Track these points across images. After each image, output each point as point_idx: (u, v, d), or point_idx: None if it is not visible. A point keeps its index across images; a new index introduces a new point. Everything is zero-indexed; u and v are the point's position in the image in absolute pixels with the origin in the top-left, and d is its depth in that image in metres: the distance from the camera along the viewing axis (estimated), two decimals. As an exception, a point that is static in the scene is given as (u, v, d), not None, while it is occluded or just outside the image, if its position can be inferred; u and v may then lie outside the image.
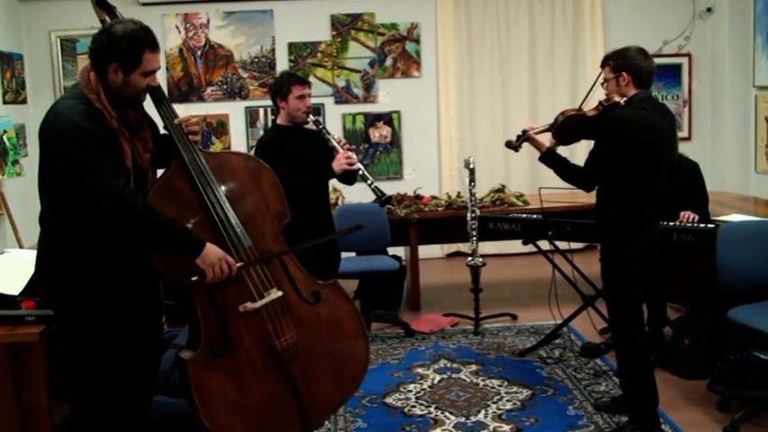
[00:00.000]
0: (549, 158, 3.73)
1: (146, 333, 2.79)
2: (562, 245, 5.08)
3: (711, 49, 7.58)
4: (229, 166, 2.95)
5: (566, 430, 3.74)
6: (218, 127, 7.47)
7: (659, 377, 4.23)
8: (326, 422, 3.76)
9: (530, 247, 5.18)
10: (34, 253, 2.81)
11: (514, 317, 5.60)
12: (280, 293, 2.89)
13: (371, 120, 7.62)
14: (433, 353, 4.89)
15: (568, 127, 3.59)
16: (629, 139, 3.40)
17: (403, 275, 5.98)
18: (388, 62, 7.59)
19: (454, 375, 4.50)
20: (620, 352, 3.66)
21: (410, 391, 4.29)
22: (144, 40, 2.63)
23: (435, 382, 4.41)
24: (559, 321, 4.81)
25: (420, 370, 4.60)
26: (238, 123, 7.51)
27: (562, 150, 3.87)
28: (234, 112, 7.50)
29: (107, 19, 2.85)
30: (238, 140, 7.47)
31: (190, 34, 7.40)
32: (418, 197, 6.05)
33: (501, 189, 6.14)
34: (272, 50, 7.48)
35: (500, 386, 4.30)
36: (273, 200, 3.03)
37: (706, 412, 3.88)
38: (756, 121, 6.92)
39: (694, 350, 4.29)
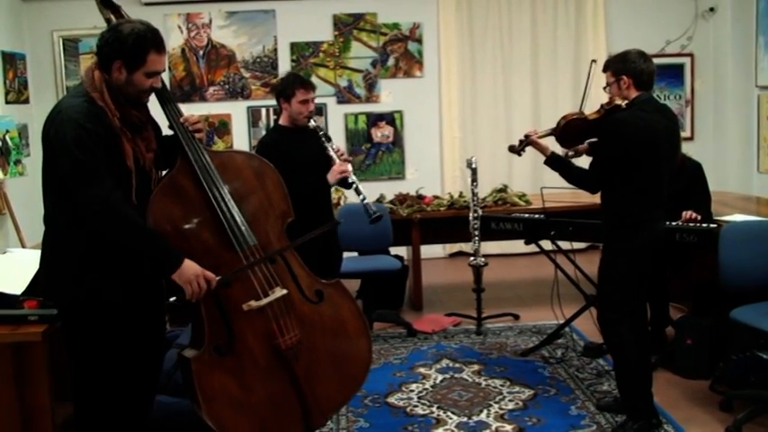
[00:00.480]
0: (554, 162, 3.76)
1: (149, 332, 2.79)
2: (564, 245, 5.08)
3: (714, 48, 7.57)
4: (234, 165, 2.96)
5: (568, 430, 3.74)
6: (221, 127, 7.48)
7: (662, 377, 4.25)
8: (329, 422, 3.76)
9: (532, 247, 5.18)
10: (37, 252, 2.82)
11: (517, 317, 5.60)
12: (284, 291, 2.90)
13: (374, 120, 7.62)
14: (436, 353, 4.89)
15: (571, 130, 3.65)
16: (627, 141, 3.44)
17: (405, 275, 5.98)
18: (391, 62, 7.59)
19: (456, 375, 4.49)
20: (610, 348, 3.72)
21: (412, 390, 4.29)
22: (150, 40, 2.64)
23: (437, 381, 4.41)
24: (562, 321, 4.81)
25: (422, 370, 4.60)
26: (240, 123, 7.51)
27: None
28: (236, 111, 7.51)
29: (112, 18, 2.86)
30: (240, 140, 7.47)
31: (192, 34, 7.40)
32: (420, 197, 6.05)
33: (503, 189, 6.14)
34: (275, 50, 7.48)
35: (502, 386, 4.30)
36: (277, 199, 3.04)
37: (708, 412, 3.88)
38: (759, 121, 6.92)
39: (697, 350, 4.28)
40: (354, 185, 3.95)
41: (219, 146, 7.38)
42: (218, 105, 7.48)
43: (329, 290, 3.10)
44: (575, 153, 3.84)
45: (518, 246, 6.21)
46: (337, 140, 7.40)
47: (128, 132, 2.65)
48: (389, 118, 7.63)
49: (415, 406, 4.08)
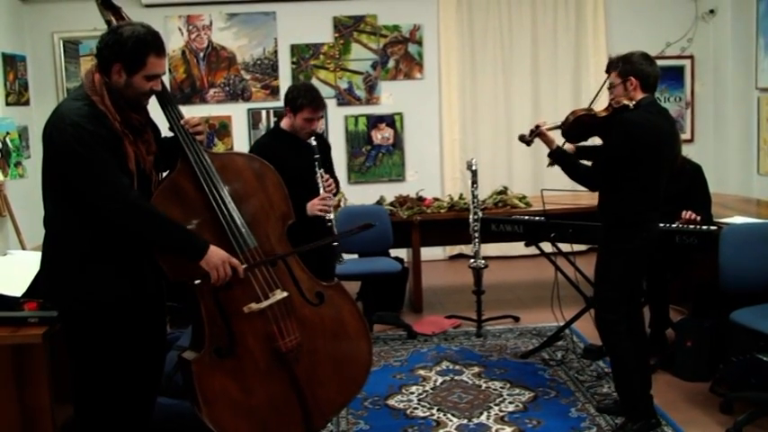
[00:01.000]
0: (559, 155, 3.75)
1: (150, 334, 2.79)
2: (564, 247, 5.08)
3: (714, 51, 7.57)
4: (234, 167, 2.96)
5: (568, 432, 3.74)
6: (221, 129, 7.48)
7: (662, 379, 4.25)
8: (329, 424, 3.76)
9: (532, 249, 5.19)
10: (37, 254, 2.82)
11: (517, 319, 5.60)
12: (285, 294, 2.90)
13: (374, 122, 7.62)
14: (436, 355, 4.89)
15: (578, 126, 3.65)
16: (636, 142, 3.46)
17: (405, 277, 5.98)
18: (391, 64, 7.59)
19: (456, 377, 4.49)
20: (608, 349, 3.74)
21: (412, 392, 4.29)
22: (150, 43, 2.63)
23: (437, 384, 4.41)
24: (562, 323, 4.81)
25: (422, 372, 4.60)
26: (241, 125, 7.51)
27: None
28: (236, 113, 7.50)
29: (113, 20, 2.85)
30: (241, 142, 7.46)
31: (192, 36, 7.41)
32: (420, 199, 6.05)
33: (503, 191, 6.14)
34: (275, 52, 7.48)
35: (502, 388, 4.30)
36: (278, 201, 3.04)
37: (708, 414, 3.88)
38: (759, 123, 6.92)
39: (697, 352, 4.28)
40: (330, 224, 3.88)
41: (220, 148, 7.38)
42: (218, 107, 7.49)
43: (330, 292, 3.10)
44: (527, 144, 3.85)
45: (518, 248, 6.22)
46: (338, 143, 7.47)
47: (129, 135, 2.65)
48: (390, 120, 7.63)
49: (415, 408, 4.07)
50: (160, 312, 2.87)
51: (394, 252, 5.92)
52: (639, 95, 3.55)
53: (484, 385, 4.35)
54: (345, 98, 7.58)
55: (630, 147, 3.46)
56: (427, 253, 6.40)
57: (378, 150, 7.66)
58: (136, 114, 2.70)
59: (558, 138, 3.78)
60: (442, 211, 5.90)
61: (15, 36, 6.93)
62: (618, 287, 3.60)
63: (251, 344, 2.85)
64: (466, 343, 5.13)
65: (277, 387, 2.88)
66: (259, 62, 7.49)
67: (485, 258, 5.43)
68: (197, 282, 2.71)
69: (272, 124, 7.28)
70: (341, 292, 3.14)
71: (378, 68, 7.58)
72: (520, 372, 4.54)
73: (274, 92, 7.45)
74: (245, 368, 2.83)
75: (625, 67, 3.57)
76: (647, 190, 3.54)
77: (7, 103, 6.52)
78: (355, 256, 5.66)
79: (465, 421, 3.89)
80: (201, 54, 7.44)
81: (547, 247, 5.03)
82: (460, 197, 6.09)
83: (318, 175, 3.93)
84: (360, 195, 6.56)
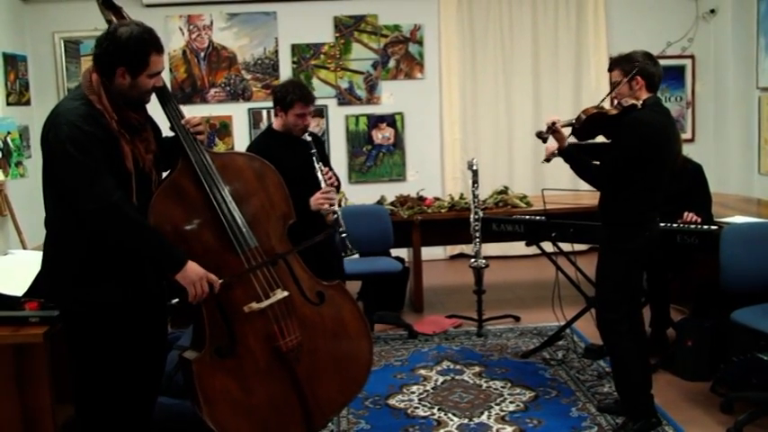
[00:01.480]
0: (569, 153, 3.73)
1: (151, 334, 2.79)
2: (565, 246, 5.08)
3: (715, 50, 7.57)
4: (235, 167, 2.96)
5: None
6: (221, 128, 7.48)
7: (662, 379, 4.25)
8: (330, 423, 3.76)
9: (533, 249, 5.18)
10: (38, 254, 2.82)
11: (517, 318, 5.60)
12: (285, 293, 2.90)
13: (374, 121, 7.62)
14: (436, 354, 4.89)
15: (591, 124, 3.63)
16: (644, 141, 3.46)
17: (406, 277, 5.98)
18: (391, 64, 7.60)
19: (457, 377, 4.49)
20: (608, 349, 3.74)
21: (413, 392, 4.29)
22: (149, 42, 2.64)
23: (438, 383, 4.41)
24: (562, 323, 4.81)
25: (423, 371, 4.60)
26: (241, 125, 7.51)
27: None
28: (237, 113, 7.51)
29: (113, 19, 2.85)
30: (241, 142, 7.45)
31: (193, 36, 7.41)
32: (421, 199, 6.05)
33: (504, 191, 6.14)
34: (276, 52, 7.49)
35: (503, 388, 4.30)
36: (278, 200, 3.04)
37: (709, 414, 3.88)
38: (760, 123, 6.92)
39: (697, 352, 4.28)
40: (336, 216, 3.82)
41: (220, 147, 7.38)
42: (219, 107, 7.49)
43: (330, 291, 3.10)
44: (543, 140, 3.83)
45: (519, 247, 6.21)
46: (338, 142, 7.48)
47: (126, 134, 2.64)
48: (390, 120, 7.63)
49: (416, 408, 4.07)
50: (161, 312, 2.87)
51: (395, 252, 5.92)
52: (645, 95, 3.55)
53: (484, 385, 4.35)
54: (346, 98, 7.58)
55: (639, 146, 3.45)
56: (428, 253, 6.40)
57: (378, 150, 7.66)
58: (134, 113, 2.69)
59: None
60: (442, 210, 5.90)
61: (16, 36, 6.94)
62: (619, 287, 3.60)
63: (251, 343, 2.85)
64: (467, 343, 5.13)
65: (278, 387, 2.88)
66: (260, 62, 7.49)
67: (485, 258, 5.42)
68: (174, 301, 2.71)
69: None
70: (341, 291, 3.15)
71: (378, 68, 7.58)
72: (520, 371, 4.54)
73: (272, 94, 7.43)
74: (246, 368, 2.83)
75: (630, 66, 3.56)
76: (651, 189, 3.54)
77: (8, 103, 6.52)
78: (356, 255, 5.64)
79: (466, 421, 3.89)
80: (202, 54, 7.44)
81: (548, 246, 5.03)
82: (461, 197, 6.09)
83: (318, 169, 3.91)
84: (360, 195, 6.55)
